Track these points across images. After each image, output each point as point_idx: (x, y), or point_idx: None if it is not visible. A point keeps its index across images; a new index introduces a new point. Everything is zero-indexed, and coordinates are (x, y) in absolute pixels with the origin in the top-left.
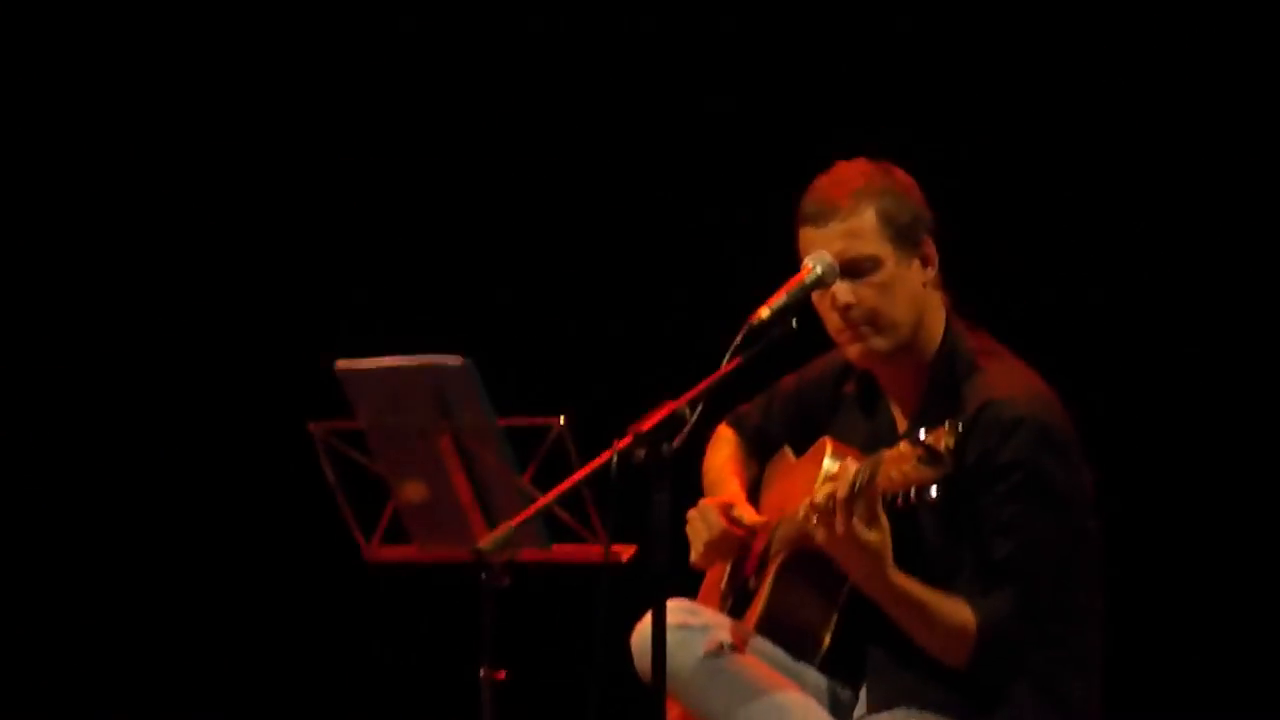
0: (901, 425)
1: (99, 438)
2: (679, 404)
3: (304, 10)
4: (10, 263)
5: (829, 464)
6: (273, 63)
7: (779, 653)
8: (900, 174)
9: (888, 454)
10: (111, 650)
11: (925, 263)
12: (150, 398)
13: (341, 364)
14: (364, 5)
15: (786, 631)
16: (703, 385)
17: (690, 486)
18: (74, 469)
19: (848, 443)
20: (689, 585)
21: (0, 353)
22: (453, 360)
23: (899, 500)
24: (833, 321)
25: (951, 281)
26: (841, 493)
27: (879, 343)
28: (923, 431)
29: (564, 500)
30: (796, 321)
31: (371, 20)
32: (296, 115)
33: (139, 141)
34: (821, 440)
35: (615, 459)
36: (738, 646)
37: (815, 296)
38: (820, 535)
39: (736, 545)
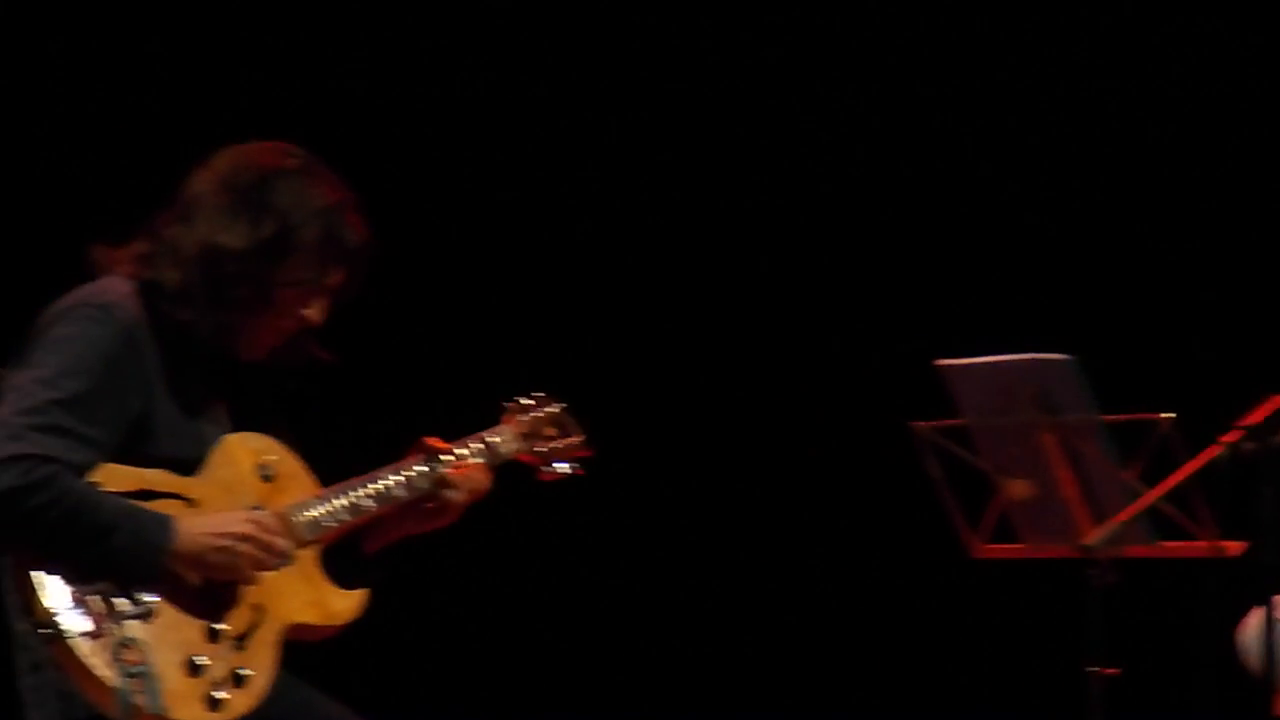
0: None
1: (710, 438)
2: None
3: None
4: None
5: None
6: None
7: None
8: None
9: None
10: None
11: None
12: (759, 398)
13: (945, 362)
14: None
15: None
16: None
17: None
18: (686, 467)
19: None
20: None
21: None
22: (1057, 357)
23: None
24: None
25: None
26: None
27: None
28: None
29: (1171, 496)
30: None
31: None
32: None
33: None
34: None
35: (1223, 453)
36: None
37: None
38: None
39: None
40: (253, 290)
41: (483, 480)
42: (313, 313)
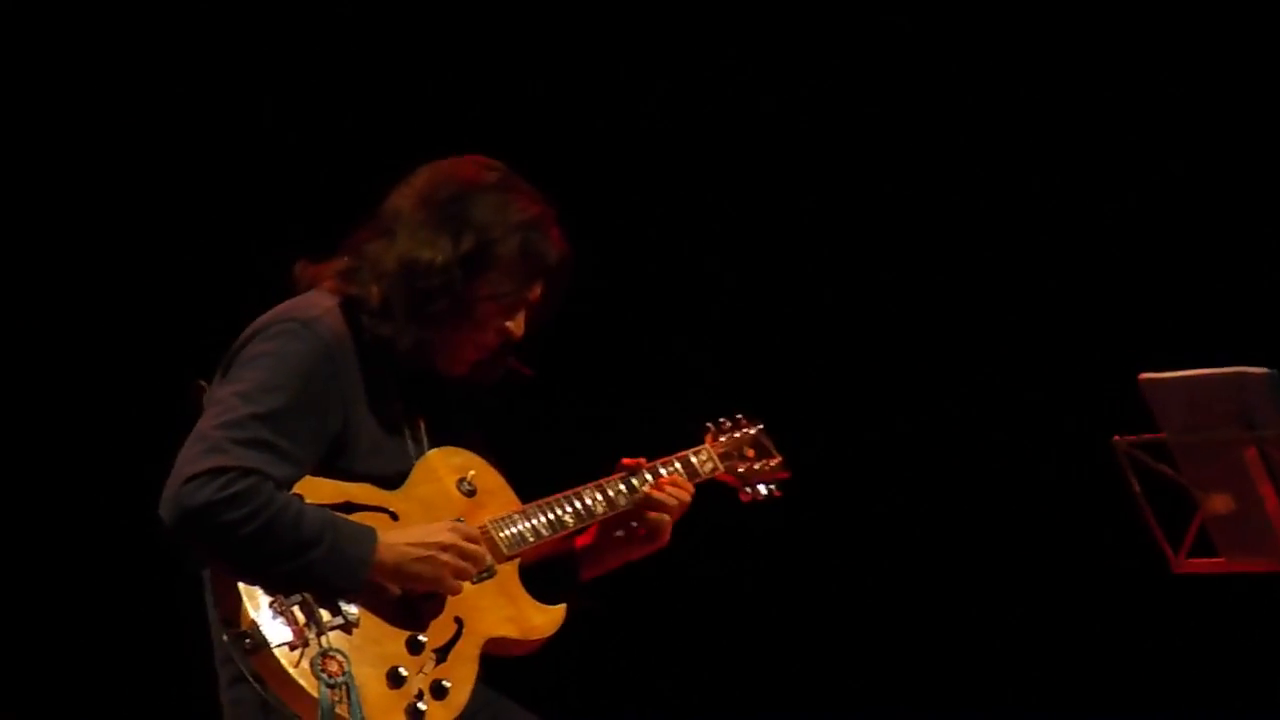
0: None
1: (912, 454)
2: None
3: None
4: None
5: None
6: None
7: None
8: None
9: None
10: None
11: None
12: (962, 413)
13: (1145, 376)
14: None
15: None
16: None
17: None
18: (887, 482)
19: None
20: None
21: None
22: (1257, 371)
23: None
24: None
25: None
26: None
27: None
28: None
29: None
30: None
31: None
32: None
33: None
34: None
35: None
36: None
37: None
38: None
39: None
40: (452, 304)
41: (685, 497)
42: (513, 327)
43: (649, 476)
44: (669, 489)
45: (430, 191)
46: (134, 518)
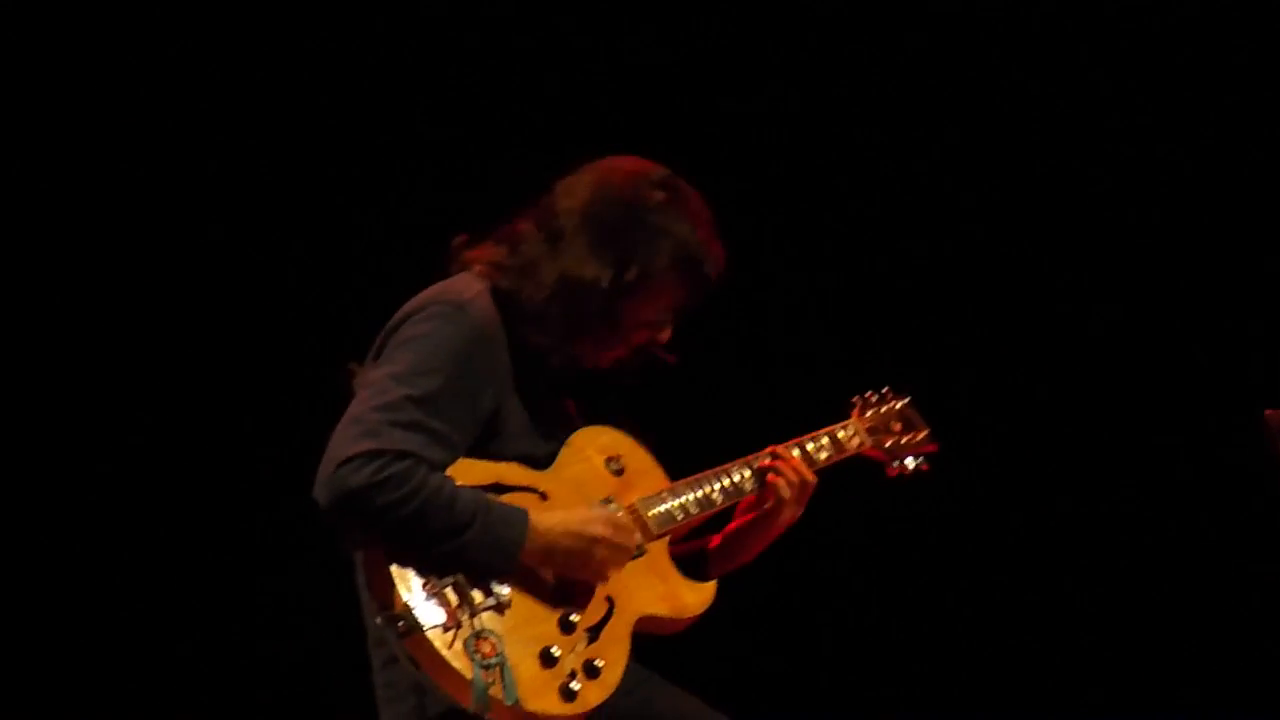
0: None
1: (1058, 429)
2: None
3: None
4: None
5: None
6: None
7: None
8: None
9: None
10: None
11: None
12: (1110, 387)
13: None
14: None
15: None
16: None
17: None
18: (1033, 458)
19: None
20: None
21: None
22: None
23: None
24: None
25: None
26: None
27: None
28: None
29: None
30: None
31: None
32: None
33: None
34: None
35: None
36: None
37: None
38: None
39: None
40: (609, 326)
41: (807, 478)
42: (663, 335)
43: (790, 454)
44: (787, 467)
45: (596, 206)
46: (288, 500)
